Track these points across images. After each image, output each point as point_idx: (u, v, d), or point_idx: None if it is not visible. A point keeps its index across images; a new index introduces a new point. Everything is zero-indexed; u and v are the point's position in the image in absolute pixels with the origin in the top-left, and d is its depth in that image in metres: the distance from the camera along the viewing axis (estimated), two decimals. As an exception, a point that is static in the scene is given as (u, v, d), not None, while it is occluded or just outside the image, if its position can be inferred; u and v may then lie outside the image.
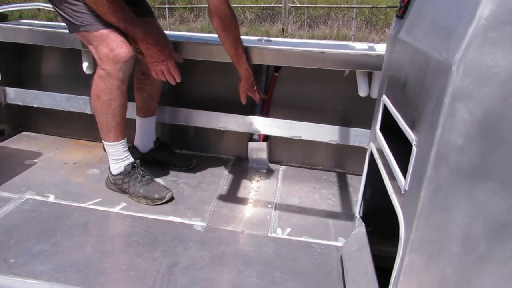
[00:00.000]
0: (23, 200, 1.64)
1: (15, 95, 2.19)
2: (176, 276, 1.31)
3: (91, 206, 1.65)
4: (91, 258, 1.36)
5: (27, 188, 1.73)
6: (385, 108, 1.21)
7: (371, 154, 1.34)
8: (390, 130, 1.20)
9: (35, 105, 2.19)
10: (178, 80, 1.69)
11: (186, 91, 2.19)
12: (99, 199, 1.70)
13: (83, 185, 1.81)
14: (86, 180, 1.86)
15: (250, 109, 2.11)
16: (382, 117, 1.25)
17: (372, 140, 1.35)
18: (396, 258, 0.90)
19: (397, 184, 0.96)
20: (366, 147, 1.43)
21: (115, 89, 1.57)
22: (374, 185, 1.44)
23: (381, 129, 1.25)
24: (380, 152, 1.21)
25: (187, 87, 2.19)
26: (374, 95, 1.85)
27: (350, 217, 1.71)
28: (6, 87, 2.17)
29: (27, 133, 2.32)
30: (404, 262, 0.87)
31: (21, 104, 2.20)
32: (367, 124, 1.83)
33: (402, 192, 0.91)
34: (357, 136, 1.96)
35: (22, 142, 2.21)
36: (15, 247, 1.37)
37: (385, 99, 1.20)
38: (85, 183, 1.83)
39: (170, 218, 1.62)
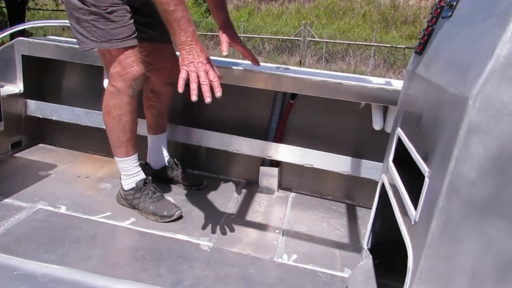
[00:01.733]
0: (35, 210, 1.66)
1: (36, 108, 2.25)
2: (179, 294, 1.31)
3: (101, 219, 1.66)
4: (97, 270, 1.36)
5: (40, 199, 1.75)
6: (399, 141, 1.22)
7: (383, 186, 1.35)
8: (402, 163, 1.21)
9: (54, 118, 2.25)
10: (219, 92, 1.33)
11: (201, 111, 2.23)
12: (109, 213, 1.72)
13: (94, 199, 1.83)
14: (98, 194, 1.88)
15: (263, 134, 2.13)
16: (396, 149, 1.27)
17: (384, 172, 1.36)
18: None
19: (407, 215, 0.96)
20: (377, 180, 1.44)
21: (125, 105, 1.61)
22: (384, 217, 1.43)
23: (394, 161, 1.26)
24: (392, 183, 1.21)
25: (202, 108, 2.23)
26: (388, 129, 1.87)
27: (357, 249, 1.69)
28: (27, 100, 2.24)
29: (43, 145, 2.37)
30: None
31: (40, 116, 2.26)
32: (379, 157, 1.83)
33: (412, 222, 0.91)
34: (368, 168, 1.96)
35: (38, 153, 2.26)
36: (24, 255, 1.38)
37: (399, 132, 1.22)
38: (97, 196, 1.86)
39: (177, 236, 1.62)
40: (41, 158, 2.19)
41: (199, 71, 1.34)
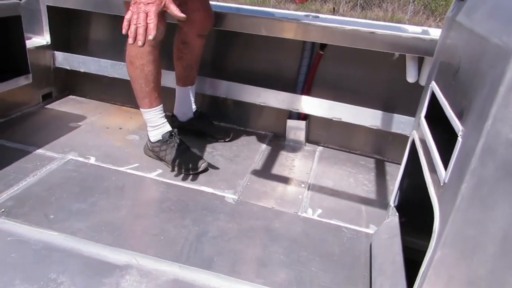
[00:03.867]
0: (66, 160, 1.71)
1: (63, 59, 2.26)
2: (203, 245, 1.33)
3: (129, 171, 1.70)
4: (125, 220, 1.40)
5: (70, 149, 1.80)
6: (432, 96, 1.15)
7: (413, 142, 1.29)
8: (436, 119, 1.14)
9: (82, 70, 2.26)
10: (151, 35, 1.29)
11: (228, 63, 2.19)
12: (137, 164, 1.75)
13: (123, 150, 1.86)
14: (126, 145, 1.91)
15: (291, 86, 2.07)
16: (429, 104, 1.19)
17: (415, 128, 1.29)
18: (427, 251, 0.86)
19: (436, 175, 0.92)
20: (409, 135, 1.38)
21: (146, 54, 1.59)
22: (413, 175, 1.39)
23: (426, 117, 1.19)
24: (423, 140, 1.15)
25: (230, 60, 2.18)
26: (422, 82, 1.77)
27: (384, 205, 1.66)
28: (55, 51, 2.25)
29: (73, 96, 2.41)
30: (435, 256, 0.83)
31: (68, 68, 2.27)
32: (412, 112, 1.75)
33: (441, 184, 0.87)
34: (400, 123, 1.88)
35: (68, 105, 2.30)
36: (56, 203, 1.44)
37: (433, 86, 1.14)
38: (125, 147, 1.89)
39: (203, 188, 1.64)
40: (71, 110, 2.23)
41: (139, 12, 1.29)
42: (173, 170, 1.73)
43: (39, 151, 1.76)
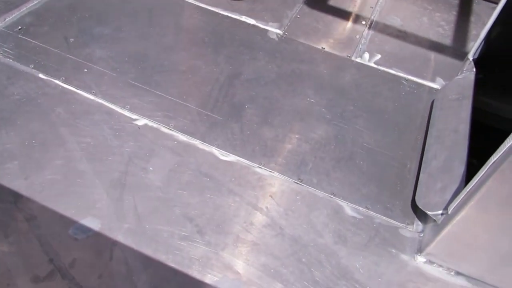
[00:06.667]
0: None
1: None
2: (235, 89, 1.18)
3: None
4: (151, 51, 1.24)
5: None
6: None
7: None
8: None
9: None
10: None
11: None
12: None
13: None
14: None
15: None
16: None
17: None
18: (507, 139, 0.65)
19: None
20: None
21: None
22: (508, 21, 1.06)
23: None
24: None
25: None
26: None
27: (460, 55, 1.36)
28: None
29: None
30: None
31: None
32: None
33: None
34: None
35: None
36: (77, 24, 1.28)
37: None
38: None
39: (243, 18, 1.40)
40: None
41: None
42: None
43: None
